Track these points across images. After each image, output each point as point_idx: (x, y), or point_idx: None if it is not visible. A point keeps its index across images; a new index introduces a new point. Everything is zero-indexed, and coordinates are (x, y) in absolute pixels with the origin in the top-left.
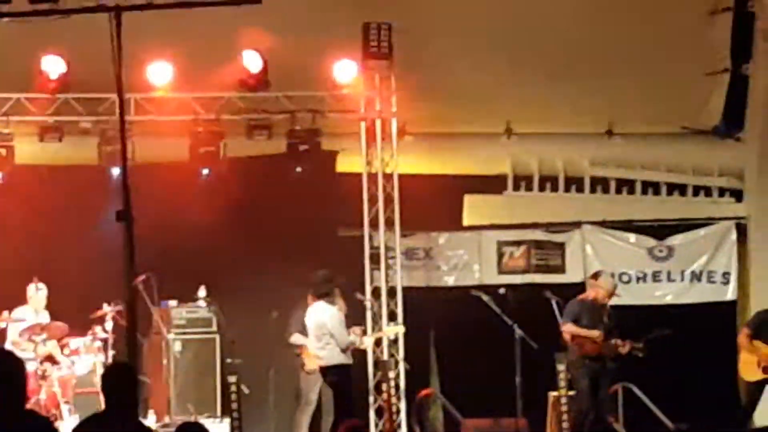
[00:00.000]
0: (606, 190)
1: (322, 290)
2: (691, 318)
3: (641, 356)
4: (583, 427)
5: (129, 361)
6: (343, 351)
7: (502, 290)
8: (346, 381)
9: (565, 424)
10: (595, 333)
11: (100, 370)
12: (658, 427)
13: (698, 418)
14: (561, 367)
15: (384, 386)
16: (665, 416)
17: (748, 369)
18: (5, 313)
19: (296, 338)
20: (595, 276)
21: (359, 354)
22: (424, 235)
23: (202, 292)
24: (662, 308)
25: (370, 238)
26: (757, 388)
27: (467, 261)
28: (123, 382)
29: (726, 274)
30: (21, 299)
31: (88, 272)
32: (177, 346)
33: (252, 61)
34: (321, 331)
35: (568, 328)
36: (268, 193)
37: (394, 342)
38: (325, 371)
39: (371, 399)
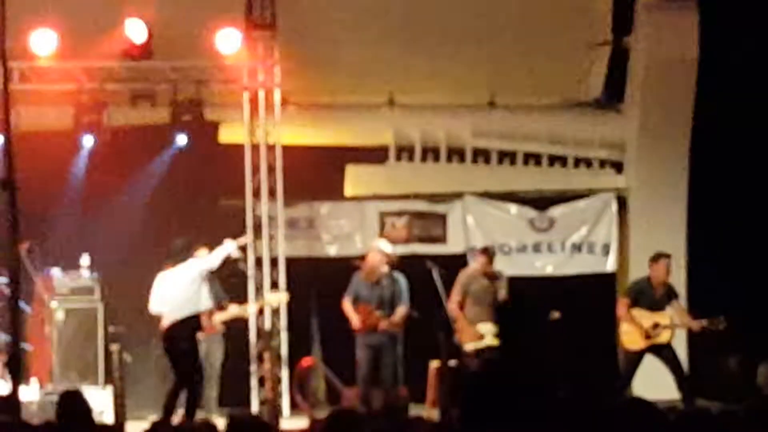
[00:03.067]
0: (488, 161)
1: (181, 257)
2: (571, 289)
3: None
4: (367, 397)
5: (12, 329)
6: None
7: None
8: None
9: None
10: (356, 317)
11: None
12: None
13: (577, 388)
14: (442, 336)
15: (266, 355)
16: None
17: (631, 338)
18: None
19: None
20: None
21: (241, 323)
22: (307, 206)
23: (85, 260)
24: (543, 279)
25: (253, 208)
26: (639, 357)
27: (349, 231)
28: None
29: (606, 246)
30: None
31: None
32: (60, 314)
33: (136, 30)
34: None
35: (345, 306)
36: (150, 162)
37: (276, 311)
38: (174, 336)
39: (253, 368)
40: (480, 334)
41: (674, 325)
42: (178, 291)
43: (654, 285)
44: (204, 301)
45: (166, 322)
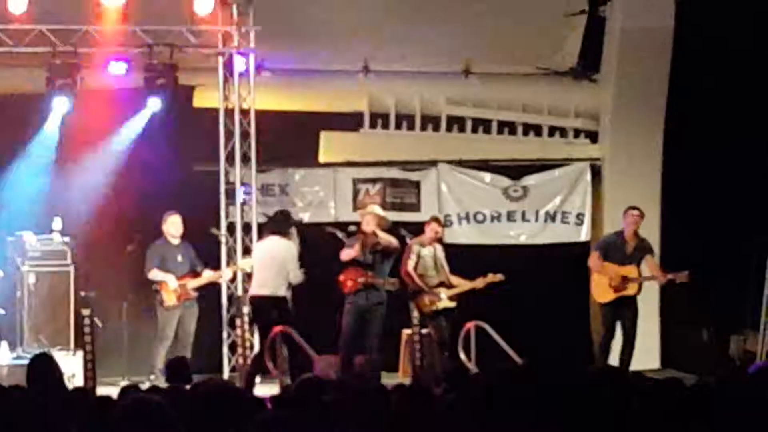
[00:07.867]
0: (462, 129)
1: (281, 227)
2: (546, 258)
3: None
4: (349, 363)
5: None
6: (290, 286)
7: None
8: (289, 313)
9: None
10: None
11: None
12: (508, 363)
13: (549, 356)
14: (413, 305)
15: (238, 321)
16: (517, 354)
17: (601, 291)
18: None
19: (155, 274)
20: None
21: (214, 289)
22: (280, 171)
23: (57, 224)
24: (517, 248)
25: (226, 173)
26: (610, 309)
27: (323, 198)
28: None
29: (580, 215)
30: None
31: None
32: (31, 278)
33: None
34: (274, 262)
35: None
36: (124, 126)
37: (248, 277)
38: (270, 301)
39: (224, 334)
40: (437, 297)
41: (641, 278)
42: (282, 268)
43: (626, 239)
44: (294, 276)
45: (255, 291)
